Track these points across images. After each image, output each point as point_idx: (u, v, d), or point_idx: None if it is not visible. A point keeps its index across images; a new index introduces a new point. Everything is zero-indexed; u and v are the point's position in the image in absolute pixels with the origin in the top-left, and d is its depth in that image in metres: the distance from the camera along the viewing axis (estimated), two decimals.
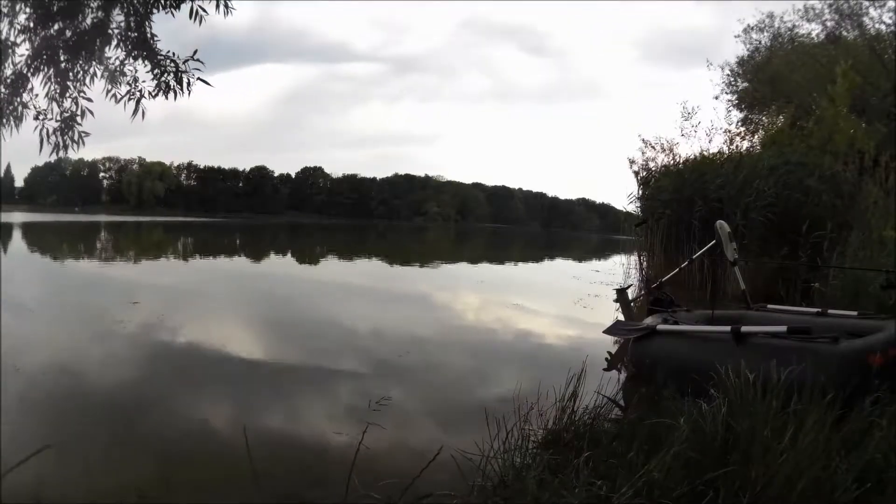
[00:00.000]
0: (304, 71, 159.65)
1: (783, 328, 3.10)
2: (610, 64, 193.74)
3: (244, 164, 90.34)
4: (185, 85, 3.79)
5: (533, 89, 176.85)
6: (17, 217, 31.96)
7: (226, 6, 3.80)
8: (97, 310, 6.15)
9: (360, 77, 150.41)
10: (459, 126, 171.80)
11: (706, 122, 14.59)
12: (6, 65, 3.52)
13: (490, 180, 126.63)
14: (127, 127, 3.86)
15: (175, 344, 4.99)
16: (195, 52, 3.83)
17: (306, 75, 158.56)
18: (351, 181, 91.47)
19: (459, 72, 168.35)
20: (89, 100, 3.68)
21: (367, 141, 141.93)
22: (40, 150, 3.52)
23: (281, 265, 14.79)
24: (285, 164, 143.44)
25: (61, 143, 3.55)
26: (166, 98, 3.75)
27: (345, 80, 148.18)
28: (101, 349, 4.59)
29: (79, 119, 3.61)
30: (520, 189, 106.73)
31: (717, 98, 15.64)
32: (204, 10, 3.77)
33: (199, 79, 3.83)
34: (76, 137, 3.61)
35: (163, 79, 3.76)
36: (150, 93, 3.77)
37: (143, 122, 3.81)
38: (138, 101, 3.76)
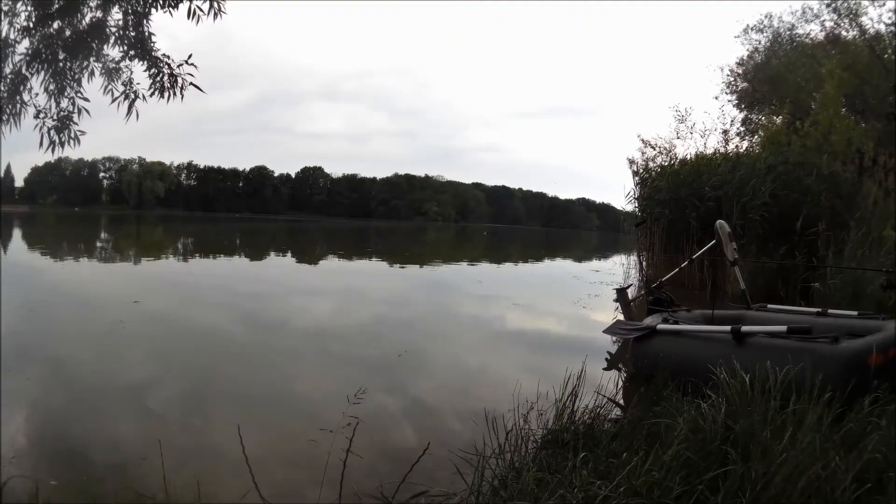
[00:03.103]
0: None
1: (783, 328, 3.10)
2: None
3: (245, 163, 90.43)
4: (178, 88, 3.81)
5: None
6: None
7: (218, 7, 3.80)
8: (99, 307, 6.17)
9: None
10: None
11: (703, 123, 14.55)
12: (6, 64, 3.53)
13: (490, 180, 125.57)
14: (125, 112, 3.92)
15: (172, 339, 5.00)
16: (189, 56, 3.84)
17: None
18: (351, 181, 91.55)
19: None
20: (86, 99, 3.69)
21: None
22: (39, 147, 3.55)
23: (285, 265, 14.80)
24: (287, 161, 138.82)
25: (57, 141, 3.57)
26: (161, 97, 3.77)
27: None
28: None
29: (75, 118, 3.63)
30: (520, 189, 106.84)
31: (716, 98, 15.65)
32: (202, 10, 3.78)
33: (191, 84, 3.85)
34: (72, 135, 3.63)
35: (158, 79, 3.77)
36: (143, 94, 3.80)
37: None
38: (132, 103, 3.77)
